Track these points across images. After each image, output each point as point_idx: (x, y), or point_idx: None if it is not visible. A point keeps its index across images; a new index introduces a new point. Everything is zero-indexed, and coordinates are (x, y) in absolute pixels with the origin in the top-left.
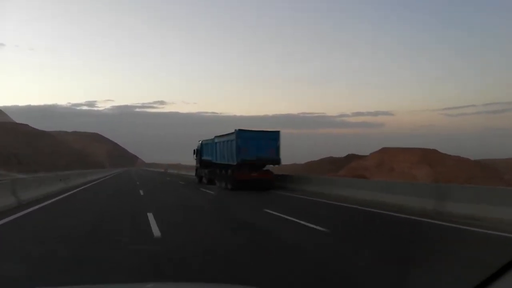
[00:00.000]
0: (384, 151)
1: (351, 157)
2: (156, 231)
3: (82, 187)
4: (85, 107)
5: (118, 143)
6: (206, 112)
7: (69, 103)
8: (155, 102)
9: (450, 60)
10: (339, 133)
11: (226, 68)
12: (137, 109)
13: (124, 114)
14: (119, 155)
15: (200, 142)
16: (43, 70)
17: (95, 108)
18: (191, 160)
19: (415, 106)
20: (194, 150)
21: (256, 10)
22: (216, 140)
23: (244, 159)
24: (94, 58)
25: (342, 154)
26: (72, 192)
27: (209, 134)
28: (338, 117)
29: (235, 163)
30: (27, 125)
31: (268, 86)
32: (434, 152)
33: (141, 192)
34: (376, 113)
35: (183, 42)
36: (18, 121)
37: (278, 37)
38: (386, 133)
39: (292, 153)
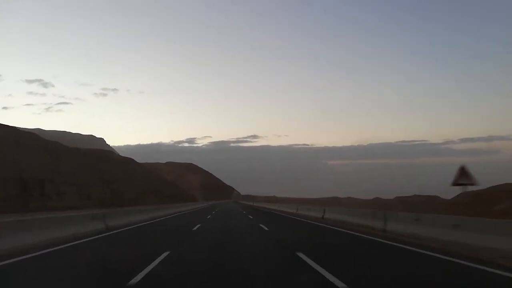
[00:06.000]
0: None
1: None
2: None
3: None
4: (186, 144)
5: (213, 173)
6: (297, 144)
7: (172, 140)
8: (248, 137)
9: None
10: (444, 162)
11: (315, 100)
12: (232, 144)
13: (220, 149)
14: (213, 186)
15: None
16: (151, 111)
17: (195, 145)
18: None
19: None
20: None
21: (345, 44)
22: None
23: None
24: (195, 98)
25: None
26: None
27: (300, 166)
28: (443, 144)
29: None
30: (112, 151)
31: (359, 114)
32: None
33: None
34: (489, 138)
35: (273, 77)
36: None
37: (369, 62)
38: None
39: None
